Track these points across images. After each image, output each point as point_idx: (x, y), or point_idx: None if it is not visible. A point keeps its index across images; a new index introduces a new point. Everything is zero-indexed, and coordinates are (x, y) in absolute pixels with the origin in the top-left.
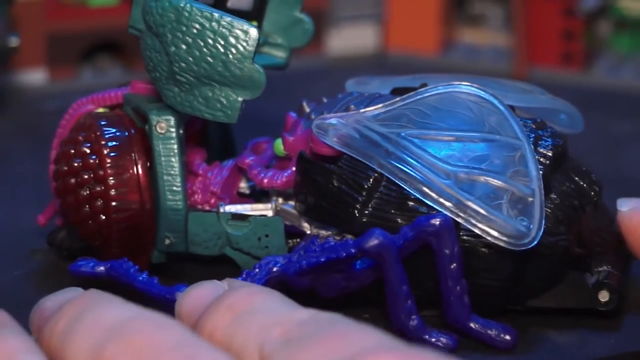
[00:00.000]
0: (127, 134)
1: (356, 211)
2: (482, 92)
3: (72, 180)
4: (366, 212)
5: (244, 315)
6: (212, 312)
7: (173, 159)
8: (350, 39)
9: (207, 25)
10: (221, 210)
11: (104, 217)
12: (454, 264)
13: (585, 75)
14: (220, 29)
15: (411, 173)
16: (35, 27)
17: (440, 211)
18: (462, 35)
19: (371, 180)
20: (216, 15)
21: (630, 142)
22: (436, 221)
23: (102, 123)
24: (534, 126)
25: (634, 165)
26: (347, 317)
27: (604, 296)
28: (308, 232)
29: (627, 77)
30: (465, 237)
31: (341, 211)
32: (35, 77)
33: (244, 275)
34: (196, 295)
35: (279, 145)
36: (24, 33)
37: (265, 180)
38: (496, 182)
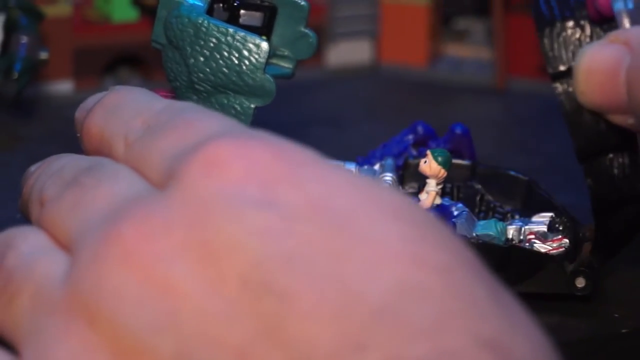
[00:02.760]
0: None
1: None
2: None
3: None
4: None
5: (112, 109)
6: (90, 112)
7: None
8: (347, 52)
9: (223, 39)
10: None
11: None
12: None
13: None
14: (235, 42)
15: None
16: (63, 41)
17: None
18: (447, 49)
19: None
20: (231, 30)
21: None
22: None
23: None
24: None
25: None
26: (198, 106)
27: (580, 282)
28: None
29: None
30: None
31: None
32: (62, 87)
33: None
34: (83, 104)
35: None
36: (53, 47)
37: None
38: None
